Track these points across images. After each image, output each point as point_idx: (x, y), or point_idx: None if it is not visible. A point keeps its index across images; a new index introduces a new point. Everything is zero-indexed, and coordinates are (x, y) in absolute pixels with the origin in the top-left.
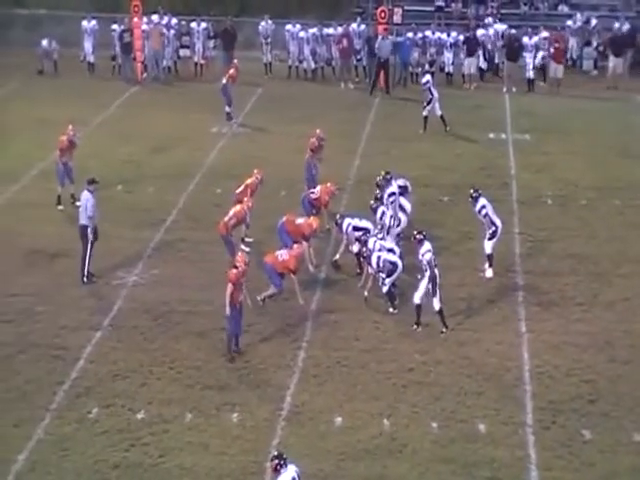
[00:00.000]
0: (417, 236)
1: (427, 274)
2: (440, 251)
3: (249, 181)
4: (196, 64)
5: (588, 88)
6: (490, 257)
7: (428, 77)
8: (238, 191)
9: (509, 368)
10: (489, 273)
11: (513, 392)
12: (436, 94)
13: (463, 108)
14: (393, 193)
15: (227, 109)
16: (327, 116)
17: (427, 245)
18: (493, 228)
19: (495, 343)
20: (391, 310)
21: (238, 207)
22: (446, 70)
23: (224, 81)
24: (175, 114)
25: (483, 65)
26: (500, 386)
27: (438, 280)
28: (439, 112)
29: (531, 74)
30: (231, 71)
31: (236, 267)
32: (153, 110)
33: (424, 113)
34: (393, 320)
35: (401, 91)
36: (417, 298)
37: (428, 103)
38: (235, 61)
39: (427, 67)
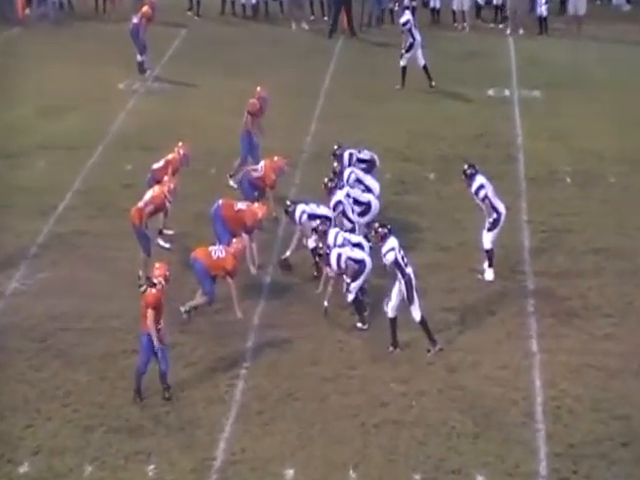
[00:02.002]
0: (379, 230)
1: (399, 278)
2: (423, 246)
3: (170, 156)
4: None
5: (618, 29)
6: (490, 253)
7: (408, 15)
8: (156, 167)
9: (515, 401)
10: (489, 275)
11: (521, 433)
12: (418, 37)
13: (454, 56)
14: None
15: (139, 58)
16: (273, 67)
17: (391, 242)
18: (494, 215)
19: (497, 367)
20: (359, 325)
21: (156, 189)
22: (431, 5)
23: (135, 20)
24: (70, 65)
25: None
26: (504, 425)
27: (414, 282)
28: (422, 61)
29: (544, 10)
30: (144, 8)
31: (153, 284)
32: (40, 59)
33: (402, 62)
34: (362, 338)
35: (372, 33)
36: (390, 310)
37: (408, 50)
38: None
39: (407, 1)
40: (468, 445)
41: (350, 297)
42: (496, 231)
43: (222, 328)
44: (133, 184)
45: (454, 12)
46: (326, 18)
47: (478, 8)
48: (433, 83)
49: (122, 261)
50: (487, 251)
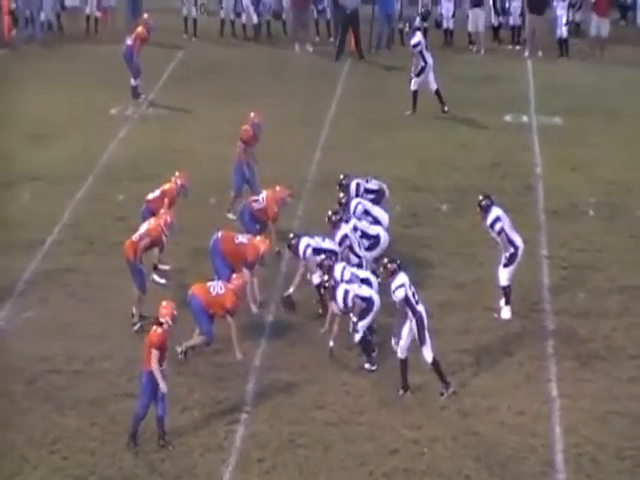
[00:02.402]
0: (388, 265)
1: (409, 317)
2: (435, 282)
3: (167, 186)
4: (88, 18)
5: None
6: (507, 290)
7: (419, 36)
8: (151, 197)
9: (534, 448)
10: (505, 313)
11: None
12: (430, 60)
13: (469, 80)
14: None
15: (133, 82)
16: (274, 92)
17: (401, 278)
18: (511, 250)
19: (514, 413)
20: (367, 366)
21: (152, 222)
22: (444, 25)
23: (129, 42)
24: (59, 89)
25: (494, 20)
26: (522, 474)
27: (425, 321)
28: (434, 86)
29: (564, 31)
30: (139, 29)
31: (160, 324)
32: (27, 83)
33: (413, 87)
34: (370, 381)
35: (381, 55)
36: (400, 351)
37: (419, 73)
38: (145, 15)
39: (418, 22)
40: None
41: (357, 337)
42: (513, 267)
43: (221, 370)
44: (125, 217)
45: (469, 34)
46: (332, 39)
47: (494, 29)
48: (446, 108)
49: (113, 300)
50: (504, 288)
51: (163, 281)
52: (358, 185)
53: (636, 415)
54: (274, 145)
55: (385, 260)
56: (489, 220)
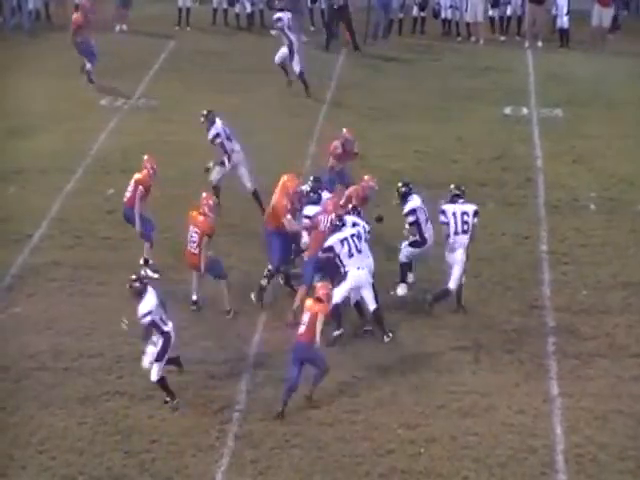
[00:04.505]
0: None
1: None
2: (434, 277)
3: (138, 175)
4: (77, 5)
5: None
6: (404, 268)
7: (281, 14)
8: (126, 198)
9: (535, 449)
10: (401, 290)
11: None
12: (294, 39)
13: (467, 71)
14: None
15: (87, 66)
16: (268, 83)
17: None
18: (419, 239)
19: (514, 412)
20: (335, 333)
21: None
22: (442, 15)
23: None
24: (47, 79)
25: (492, 11)
26: (522, 475)
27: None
28: (298, 68)
29: (565, 21)
30: (74, 15)
31: (320, 300)
32: (14, 73)
33: (296, 68)
34: (365, 380)
35: (378, 46)
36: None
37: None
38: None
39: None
40: None
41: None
42: (416, 251)
43: (213, 368)
44: (115, 210)
45: (467, 24)
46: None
47: (493, 19)
48: (309, 92)
49: (102, 295)
50: (401, 265)
51: (156, 275)
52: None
53: (639, 414)
54: (268, 138)
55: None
56: (405, 209)
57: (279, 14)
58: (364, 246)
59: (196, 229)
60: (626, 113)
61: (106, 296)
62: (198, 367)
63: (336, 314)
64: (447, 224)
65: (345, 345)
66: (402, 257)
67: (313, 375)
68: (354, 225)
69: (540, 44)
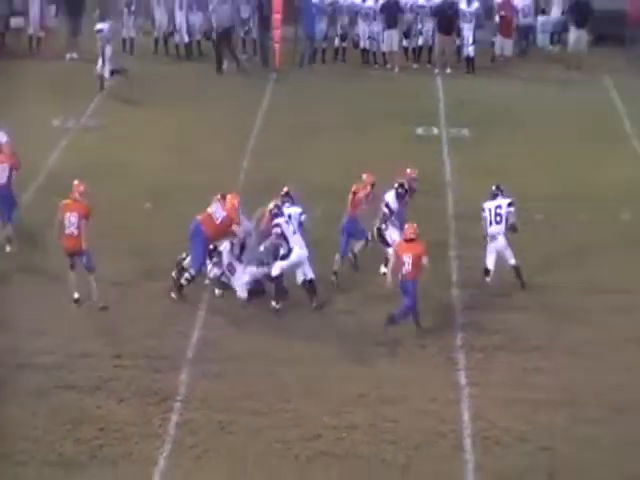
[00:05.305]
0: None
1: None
2: (355, 281)
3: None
4: (31, 37)
5: (543, 68)
6: (276, 281)
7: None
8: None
9: (445, 433)
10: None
11: (450, 464)
12: (109, 49)
13: (385, 95)
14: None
15: None
16: (206, 104)
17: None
18: (286, 250)
19: (427, 400)
20: (273, 304)
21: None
22: (361, 46)
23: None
24: (1, 103)
25: (405, 42)
26: (434, 456)
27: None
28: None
29: (470, 50)
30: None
31: (413, 240)
32: None
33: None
34: (296, 372)
35: (304, 71)
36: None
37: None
38: None
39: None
40: (399, 477)
41: (274, 272)
42: (287, 263)
43: (156, 362)
44: None
45: (384, 53)
46: (257, 57)
47: (407, 49)
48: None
49: (54, 296)
50: (272, 278)
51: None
52: None
53: (537, 401)
54: (206, 153)
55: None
56: (275, 220)
57: (99, 25)
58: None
59: (74, 214)
60: (528, 133)
61: (57, 298)
62: (142, 362)
63: (277, 287)
64: (485, 219)
65: (278, 338)
66: (274, 271)
67: (404, 306)
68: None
69: (449, 71)
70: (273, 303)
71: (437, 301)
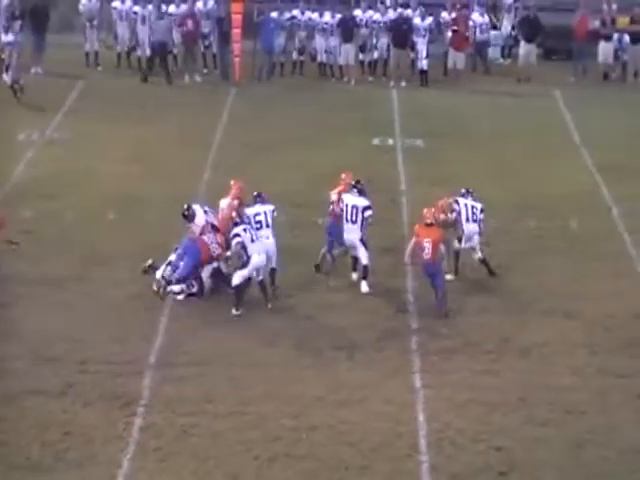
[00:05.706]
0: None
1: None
2: (313, 286)
3: None
4: None
5: (494, 81)
6: (236, 290)
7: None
8: None
9: (401, 434)
10: (234, 311)
11: (406, 464)
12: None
13: (341, 107)
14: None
15: None
16: (167, 117)
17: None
18: (245, 259)
19: (383, 402)
20: (233, 311)
21: None
22: (319, 59)
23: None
24: None
25: (361, 55)
26: (390, 457)
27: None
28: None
29: (424, 64)
30: None
31: (431, 224)
32: None
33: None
34: (256, 376)
35: (262, 86)
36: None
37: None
38: None
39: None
40: (357, 477)
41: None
42: (246, 272)
43: (119, 367)
44: (32, 230)
45: (340, 66)
46: (217, 71)
47: (363, 63)
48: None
49: (22, 305)
50: (233, 287)
51: None
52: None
53: (490, 403)
54: (167, 166)
55: None
56: (232, 233)
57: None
58: (266, 231)
59: None
60: (480, 143)
61: (24, 307)
62: (106, 367)
63: (237, 295)
64: (459, 212)
65: (239, 342)
66: (235, 280)
67: (438, 288)
68: (256, 215)
69: (404, 84)
70: (233, 310)
71: (392, 306)
